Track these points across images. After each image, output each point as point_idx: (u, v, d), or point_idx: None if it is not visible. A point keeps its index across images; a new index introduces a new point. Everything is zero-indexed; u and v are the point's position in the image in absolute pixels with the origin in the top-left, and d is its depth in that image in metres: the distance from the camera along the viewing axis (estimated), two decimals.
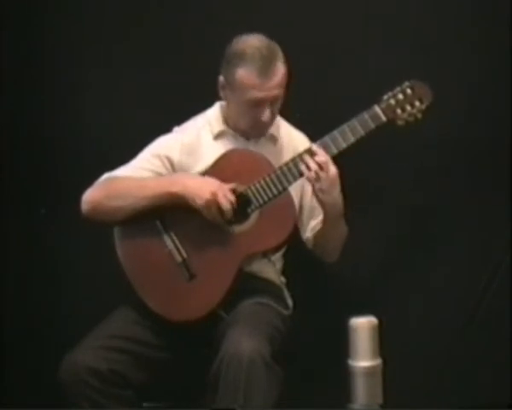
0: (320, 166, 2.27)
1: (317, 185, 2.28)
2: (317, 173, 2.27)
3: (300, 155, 2.32)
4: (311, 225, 2.49)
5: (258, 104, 2.32)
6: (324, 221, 2.40)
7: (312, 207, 2.47)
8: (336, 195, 2.31)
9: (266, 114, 2.34)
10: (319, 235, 2.47)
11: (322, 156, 2.28)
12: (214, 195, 2.27)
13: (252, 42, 2.32)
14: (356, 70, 2.65)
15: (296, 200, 2.42)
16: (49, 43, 2.82)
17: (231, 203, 2.29)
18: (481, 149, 2.65)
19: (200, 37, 2.73)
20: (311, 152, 2.30)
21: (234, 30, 2.39)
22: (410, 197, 2.70)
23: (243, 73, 2.30)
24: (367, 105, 2.34)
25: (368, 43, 2.65)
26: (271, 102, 2.33)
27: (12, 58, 2.80)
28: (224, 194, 2.28)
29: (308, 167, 2.28)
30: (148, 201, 2.33)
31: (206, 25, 2.73)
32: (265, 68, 2.29)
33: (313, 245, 2.50)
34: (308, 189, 2.44)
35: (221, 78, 2.37)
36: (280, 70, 2.32)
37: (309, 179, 2.29)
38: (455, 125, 2.63)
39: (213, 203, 2.27)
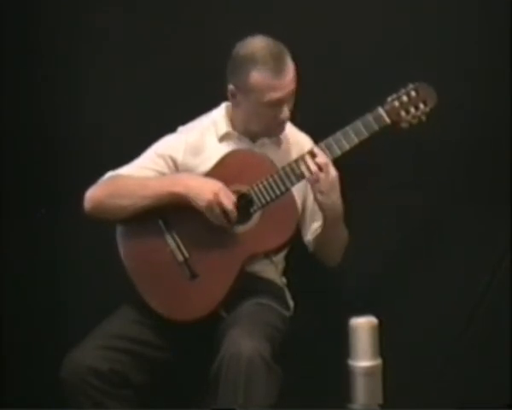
0: (320, 167, 2.28)
1: (317, 187, 2.29)
2: (316, 175, 2.27)
3: (302, 157, 2.32)
4: (313, 228, 2.49)
5: (277, 104, 2.33)
6: (324, 224, 2.40)
7: (315, 209, 2.46)
8: (335, 198, 2.31)
9: (285, 112, 2.35)
10: (319, 238, 2.46)
11: (322, 158, 2.29)
12: (216, 195, 2.27)
13: (259, 44, 2.32)
14: (359, 71, 2.64)
15: (299, 201, 2.42)
16: (49, 43, 2.82)
17: (233, 204, 2.29)
18: (481, 149, 2.65)
19: (204, 35, 2.73)
20: (312, 153, 2.30)
21: (237, 30, 2.39)
22: (410, 198, 2.70)
23: (258, 76, 2.30)
24: (370, 107, 2.34)
25: (371, 44, 2.65)
26: (288, 98, 2.34)
27: (12, 58, 2.80)
28: (226, 194, 2.29)
29: (308, 169, 2.29)
30: (150, 200, 2.33)
31: (210, 24, 2.73)
32: (279, 68, 2.29)
33: (314, 248, 2.50)
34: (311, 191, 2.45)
35: (230, 86, 2.36)
36: (290, 66, 2.33)
37: (309, 181, 2.30)
38: (455, 126, 2.63)
39: (215, 204, 2.28)
